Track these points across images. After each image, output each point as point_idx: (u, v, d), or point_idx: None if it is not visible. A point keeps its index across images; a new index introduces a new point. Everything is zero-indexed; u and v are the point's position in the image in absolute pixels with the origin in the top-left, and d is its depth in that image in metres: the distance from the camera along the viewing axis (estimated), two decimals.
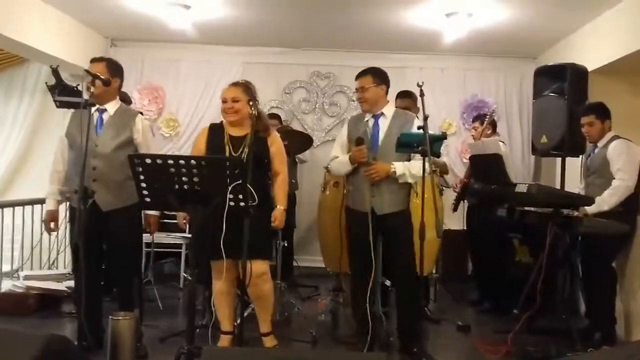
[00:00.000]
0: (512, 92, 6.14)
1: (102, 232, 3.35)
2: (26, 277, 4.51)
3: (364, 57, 6.10)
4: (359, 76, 3.58)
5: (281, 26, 5.46)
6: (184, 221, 3.60)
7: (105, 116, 3.41)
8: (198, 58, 6.12)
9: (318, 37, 5.81)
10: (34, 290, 4.34)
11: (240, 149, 3.27)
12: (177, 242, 5.34)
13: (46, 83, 3.20)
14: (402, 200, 3.48)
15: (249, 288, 3.26)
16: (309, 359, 2.13)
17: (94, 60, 3.42)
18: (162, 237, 5.11)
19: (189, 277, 2.59)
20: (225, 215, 2.57)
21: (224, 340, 3.34)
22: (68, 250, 5.34)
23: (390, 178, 3.38)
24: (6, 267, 4.79)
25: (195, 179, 2.52)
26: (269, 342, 3.40)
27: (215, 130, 3.40)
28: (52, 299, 4.45)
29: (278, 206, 3.38)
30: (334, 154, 3.66)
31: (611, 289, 3.89)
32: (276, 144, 3.44)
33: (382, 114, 3.52)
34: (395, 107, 4.39)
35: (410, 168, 3.36)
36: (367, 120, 3.56)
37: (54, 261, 5.28)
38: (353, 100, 6.23)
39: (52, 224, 3.52)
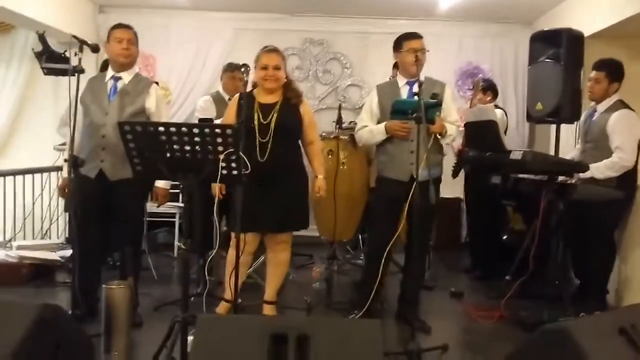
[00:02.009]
0: (507, 59, 6.08)
1: (107, 202, 3.33)
2: (19, 247, 4.48)
3: (358, 23, 6.06)
4: (419, 37, 3.51)
5: None
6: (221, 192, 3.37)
7: (119, 84, 3.35)
8: (189, 24, 6.00)
9: (311, 3, 5.70)
10: (28, 260, 4.32)
11: (270, 116, 3.23)
12: (171, 212, 5.33)
13: (33, 49, 3.13)
14: (439, 165, 3.49)
15: (268, 254, 3.27)
16: (304, 325, 2.12)
17: (123, 26, 3.37)
18: (156, 207, 5.08)
19: (183, 247, 2.57)
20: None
21: (223, 308, 3.35)
22: (61, 219, 5.33)
23: (432, 144, 3.33)
24: None
25: (187, 147, 2.47)
26: (269, 310, 3.41)
27: (246, 98, 3.34)
28: (45, 269, 4.44)
29: (319, 176, 3.39)
30: (362, 123, 3.57)
31: (609, 260, 3.90)
32: (309, 112, 3.41)
33: (418, 80, 3.46)
34: (392, 76, 4.36)
35: (456, 132, 3.47)
36: (401, 87, 3.49)
37: (46, 231, 5.25)
38: (347, 68, 6.17)
39: (65, 191, 3.47)
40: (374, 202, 3.66)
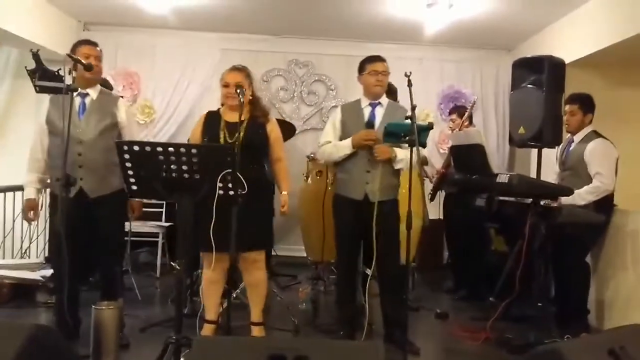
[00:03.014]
0: (488, 83, 6.22)
1: (87, 221, 3.27)
2: None
3: (343, 46, 6.13)
4: (382, 60, 3.58)
5: (260, 13, 5.40)
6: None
7: (87, 101, 3.33)
8: (175, 44, 6.02)
9: (297, 25, 5.78)
10: (8, 280, 4.23)
11: (236, 135, 3.24)
12: (154, 231, 5.28)
13: (26, 67, 3.09)
14: (393, 188, 3.52)
15: (244, 276, 3.25)
16: (302, 346, 2.12)
17: (88, 43, 3.33)
18: (138, 226, 5.03)
19: (177, 266, 2.56)
20: (215, 205, 2.53)
21: (207, 329, 3.32)
22: (41, 239, 5.23)
23: (385, 166, 3.40)
24: None
25: (184, 167, 2.48)
26: (258, 332, 3.39)
27: (212, 117, 3.36)
28: (25, 288, 4.34)
29: (283, 192, 3.41)
30: (325, 139, 3.62)
31: (586, 281, 3.99)
32: (275, 130, 3.43)
33: (380, 103, 3.54)
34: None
35: (407, 155, 3.39)
36: (364, 108, 3.56)
37: (26, 250, 5.15)
38: (332, 90, 6.24)
39: (31, 213, 3.41)
40: (334, 223, 3.67)
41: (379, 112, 3.52)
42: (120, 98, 3.48)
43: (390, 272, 3.48)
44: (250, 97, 3.31)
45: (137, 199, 3.48)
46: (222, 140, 3.23)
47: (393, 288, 3.49)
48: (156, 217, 5.49)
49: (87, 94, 3.33)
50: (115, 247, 3.46)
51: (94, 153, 3.24)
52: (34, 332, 2.26)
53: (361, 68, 3.63)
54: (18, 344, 2.19)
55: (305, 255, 5.02)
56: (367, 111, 3.56)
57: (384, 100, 3.57)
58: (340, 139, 3.55)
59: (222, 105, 3.47)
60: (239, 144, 3.16)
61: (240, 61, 5.77)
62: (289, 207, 3.43)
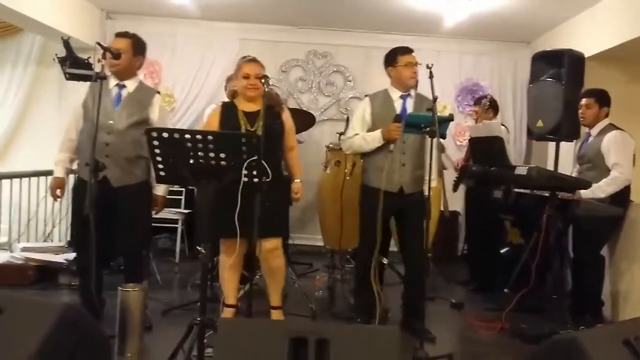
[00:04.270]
0: (506, 76, 6.22)
1: (111, 207, 3.35)
2: (24, 249, 4.51)
3: (361, 37, 6.17)
4: (413, 51, 3.61)
5: (279, 3, 5.44)
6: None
7: (124, 92, 3.39)
8: (195, 33, 6.07)
9: (316, 16, 5.81)
10: (33, 262, 4.35)
11: (256, 124, 3.30)
12: (174, 218, 5.37)
13: (56, 55, 3.16)
14: (422, 180, 3.55)
15: (262, 264, 3.33)
16: (323, 329, 2.18)
17: (118, 35, 3.40)
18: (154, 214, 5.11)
19: (203, 251, 2.63)
20: (240, 191, 2.59)
21: (227, 313, 3.40)
22: (63, 223, 5.34)
23: (415, 159, 3.46)
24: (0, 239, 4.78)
25: (211, 154, 2.54)
26: (277, 315, 3.46)
27: (228, 108, 3.41)
28: (50, 271, 4.46)
29: (296, 180, 3.47)
30: (353, 131, 3.65)
31: (600, 273, 4.03)
32: (290, 119, 3.50)
33: (409, 94, 3.56)
34: None
35: None
36: (396, 100, 3.59)
37: (49, 234, 5.27)
38: (349, 80, 6.28)
39: (58, 191, 3.48)
40: (361, 212, 3.70)
41: (410, 104, 3.57)
42: (157, 94, 3.51)
43: (417, 261, 3.53)
44: (266, 88, 3.36)
45: (160, 194, 3.55)
46: (243, 129, 3.28)
47: (419, 278, 3.53)
48: (175, 204, 5.58)
49: (124, 86, 3.39)
50: (141, 232, 3.53)
51: (122, 144, 3.30)
52: (65, 310, 2.34)
53: (392, 59, 3.62)
54: (50, 321, 2.28)
55: (321, 244, 5.09)
56: (398, 103, 3.59)
57: (413, 91, 3.60)
58: (370, 130, 3.57)
59: (233, 96, 3.50)
60: (261, 133, 3.21)
61: (259, 51, 5.81)
62: (303, 196, 3.50)
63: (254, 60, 3.42)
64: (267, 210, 3.09)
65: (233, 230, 2.88)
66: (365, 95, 3.77)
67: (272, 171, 3.22)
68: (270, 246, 3.36)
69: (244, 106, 3.38)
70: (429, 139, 3.18)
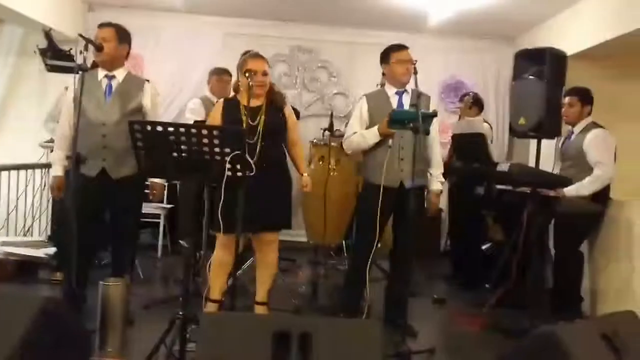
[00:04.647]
0: (489, 74, 6.27)
1: (108, 200, 3.34)
2: (3, 243, 4.44)
3: (346, 33, 6.18)
4: (406, 48, 3.64)
5: None
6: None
7: (114, 83, 3.37)
8: (179, 26, 6.04)
9: (301, 11, 5.79)
10: (13, 257, 4.29)
11: (257, 119, 3.28)
12: (155, 212, 5.34)
13: (37, 46, 3.12)
14: (423, 174, 3.57)
15: (257, 255, 3.33)
16: (306, 324, 2.18)
17: (102, 25, 3.37)
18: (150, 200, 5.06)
19: (185, 245, 2.62)
20: (223, 186, 2.59)
21: (211, 308, 3.39)
22: (43, 217, 5.28)
23: (417, 153, 3.41)
24: None
25: (194, 148, 2.53)
26: (261, 311, 3.45)
27: (230, 103, 3.38)
28: (29, 266, 4.40)
29: (304, 174, 3.51)
30: (351, 129, 3.66)
31: (579, 270, 4.09)
32: (292, 115, 3.50)
33: (405, 90, 3.58)
34: (380, 84, 4.49)
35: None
36: (391, 97, 3.61)
37: (29, 228, 5.20)
38: (334, 77, 6.28)
39: (58, 190, 3.46)
40: (361, 208, 3.73)
41: (406, 100, 3.58)
42: (147, 82, 3.50)
43: (408, 258, 3.54)
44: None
45: (158, 181, 3.54)
46: (244, 124, 3.25)
47: (406, 273, 3.55)
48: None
49: (113, 76, 3.37)
50: (130, 227, 3.53)
51: (117, 135, 3.27)
52: (45, 304, 2.32)
53: (386, 57, 3.66)
54: (30, 315, 2.25)
55: (304, 239, 5.09)
56: (394, 99, 3.60)
57: (409, 87, 3.60)
58: (368, 128, 3.58)
59: (236, 90, 3.47)
60: (261, 127, 3.23)
61: (243, 46, 5.80)
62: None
63: (258, 55, 3.38)
64: (267, 204, 3.09)
65: (230, 227, 2.88)
66: (363, 95, 3.77)
67: (276, 165, 3.32)
68: (269, 239, 3.37)
69: (246, 101, 3.35)
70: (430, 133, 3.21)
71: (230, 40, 6.00)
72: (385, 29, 5.93)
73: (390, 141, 3.46)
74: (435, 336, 3.74)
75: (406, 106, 3.55)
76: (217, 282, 3.40)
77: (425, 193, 3.67)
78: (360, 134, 3.61)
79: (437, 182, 3.62)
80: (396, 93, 3.62)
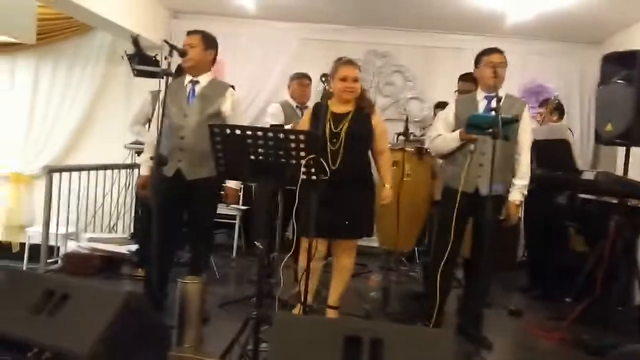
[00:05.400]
0: (573, 78, 6.02)
1: (184, 201, 3.46)
2: (90, 239, 4.69)
3: (422, 37, 6.11)
4: (499, 51, 3.58)
5: (339, 3, 5.45)
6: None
7: (197, 88, 3.49)
8: (256, 33, 6.19)
9: (375, 15, 5.78)
10: (99, 252, 4.52)
11: (341, 125, 3.31)
12: (231, 214, 5.47)
13: (125, 51, 3.28)
14: (505, 184, 3.47)
15: (334, 260, 3.39)
16: (378, 329, 2.16)
17: (190, 32, 3.51)
18: (225, 206, 5.19)
19: (261, 246, 2.67)
20: (298, 189, 2.61)
21: (298, 310, 3.39)
22: (127, 215, 5.55)
23: (499, 161, 3.30)
24: (63, 230, 4.98)
25: (271, 151, 2.57)
26: (332, 314, 3.46)
27: (320, 108, 3.41)
28: (113, 261, 4.63)
29: (386, 185, 3.46)
30: (436, 132, 3.64)
31: None
32: (381, 123, 3.48)
33: (497, 95, 3.51)
34: (457, 90, 4.41)
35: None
36: (480, 101, 3.54)
37: (114, 225, 5.47)
38: (409, 81, 6.22)
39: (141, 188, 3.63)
40: (439, 213, 3.68)
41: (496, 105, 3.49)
42: (230, 88, 3.59)
43: (484, 266, 3.44)
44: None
45: (232, 186, 3.63)
46: (327, 130, 3.28)
47: (482, 282, 3.47)
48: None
49: (197, 82, 3.49)
50: (208, 227, 3.65)
51: (195, 138, 3.38)
52: (128, 298, 2.43)
53: (477, 61, 3.61)
54: (115, 308, 2.36)
55: (376, 245, 5.05)
56: (482, 103, 3.53)
57: (502, 92, 3.46)
58: (454, 131, 3.53)
59: (329, 97, 3.45)
60: (343, 134, 3.25)
61: (319, 51, 5.92)
62: (391, 199, 3.51)
63: (350, 62, 3.40)
64: (353, 212, 3.10)
65: (317, 231, 2.92)
66: (456, 99, 3.71)
67: (360, 173, 3.33)
68: (348, 245, 3.39)
69: (336, 107, 3.38)
70: (519, 141, 3.11)
71: (305, 45, 6.08)
72: (462, 32, 5.82)
73: (472, 146, 3.39)
74: (510, 349, 3.62)
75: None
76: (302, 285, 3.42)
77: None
78: (442, 137, 3.57)
79: (518, 192, 3.48)
80: (485, 97, 3.54)
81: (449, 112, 3.62)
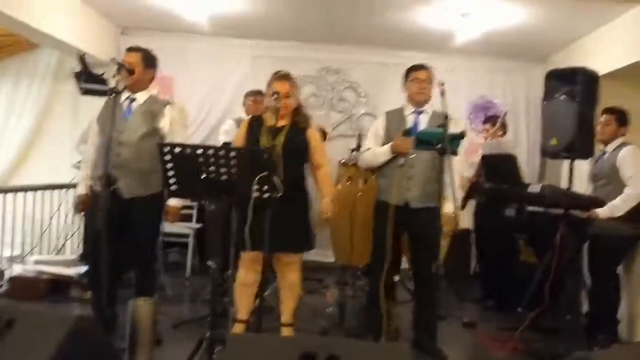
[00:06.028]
0: (519, 94, 6.22)
1: (122, 219, 3.36)
2: (36, 262, 4.53)
3: (374, 53, 6.20)
4: (425, 68, 3.63)
5: (292, 20, 5.49)
6: None
7: (134, 105, 3.43)
8: (207, 49, 6.15)
9: (328, 32, 5.84)
10: (45, 275, 4.36)
11: (276, 139, 3.29)
12: (185, 232, 5.38)
13: (73, 70, 3.21)
14: (434, 196, 3.47)
15: (279, 277, 3.35)
16: (334, 345, 2.15)
17: (129, 50, 3.46)
18: (169, 227, 5.10)
19: (213, 265, 2.63)
20: (251, 206, 2.60)
21: (238, 328, 3.38)
22: (75, 236, 5.38)
23: (427, 173, 3.43)
24: (8, 252, 4.79)
25: (222, 169, 2.55)
26: (287, 332, 3.43)
27: (255, 122, 3.42)
28: (61, 284, 4.47)
29: (325, 198, 3.45)
30: (367, 145, 3.68)
31: (616, 292, 3.97)
32: (315, 137, 3.48)
33: (424, 110, 3.57)
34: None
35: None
36: (408, 115, 3.61)
37: (61, 247, 5.29)
38: (362, 97, 6.29)
39: (82, 207, 3.55)
40: (373, 228, 3.70)
41: (423, 120, 3.56)
42: (168, 105, 3.54)
43: (428, 279, 3.49)
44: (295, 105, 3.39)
45: (173, 205, 3.56)
46: (262, 144, 3.28)
47: (429, 296, 3.51)
48: (186, 218, 5.58)
49: (134, 99, 3.44)
50: (148, 247, 3.55)
51: (134, 155, 3.32)
52: (76, 323, 2.35)
53: (405, 76, 3.69)
54: (62, 333, 2.28)
55: (331, 260, 5.05)
56: (410, 118, 3.60)
57: (430, 108, 3.59)
58: (383, 145, 3.58)
59: (264, 111, 3.49)
60: (279, 148, 3.23)
61: (272, 68, 5.82)
62: (314, 211, 3.48)
63: (284, 77, 3.41)
64: (286, 225, 3.09)
65: (255, 244, 2.89)
66: (385, 112, 3.78)
67: (294, 186, 3.27)
68: (287, 260, 3.36)
69: (270, 121, 3.37)
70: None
71: (258, 62, 6.07)
72: (413, 49, 5.93)
73: (402, 160, 3.45)
74: None
75: (422, 126, 3.53)
76: (242, 301, 3.40)
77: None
78: (371, 151, 3.63)
79: (449, 204, 3.47)
80: (413, 112, 3.62)
81: (378, 126, 3.69)
